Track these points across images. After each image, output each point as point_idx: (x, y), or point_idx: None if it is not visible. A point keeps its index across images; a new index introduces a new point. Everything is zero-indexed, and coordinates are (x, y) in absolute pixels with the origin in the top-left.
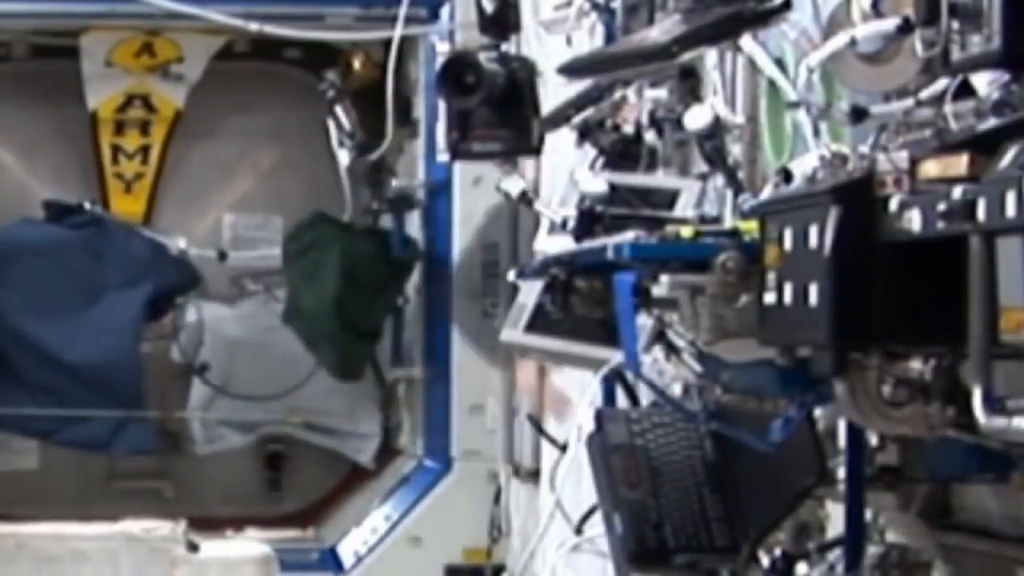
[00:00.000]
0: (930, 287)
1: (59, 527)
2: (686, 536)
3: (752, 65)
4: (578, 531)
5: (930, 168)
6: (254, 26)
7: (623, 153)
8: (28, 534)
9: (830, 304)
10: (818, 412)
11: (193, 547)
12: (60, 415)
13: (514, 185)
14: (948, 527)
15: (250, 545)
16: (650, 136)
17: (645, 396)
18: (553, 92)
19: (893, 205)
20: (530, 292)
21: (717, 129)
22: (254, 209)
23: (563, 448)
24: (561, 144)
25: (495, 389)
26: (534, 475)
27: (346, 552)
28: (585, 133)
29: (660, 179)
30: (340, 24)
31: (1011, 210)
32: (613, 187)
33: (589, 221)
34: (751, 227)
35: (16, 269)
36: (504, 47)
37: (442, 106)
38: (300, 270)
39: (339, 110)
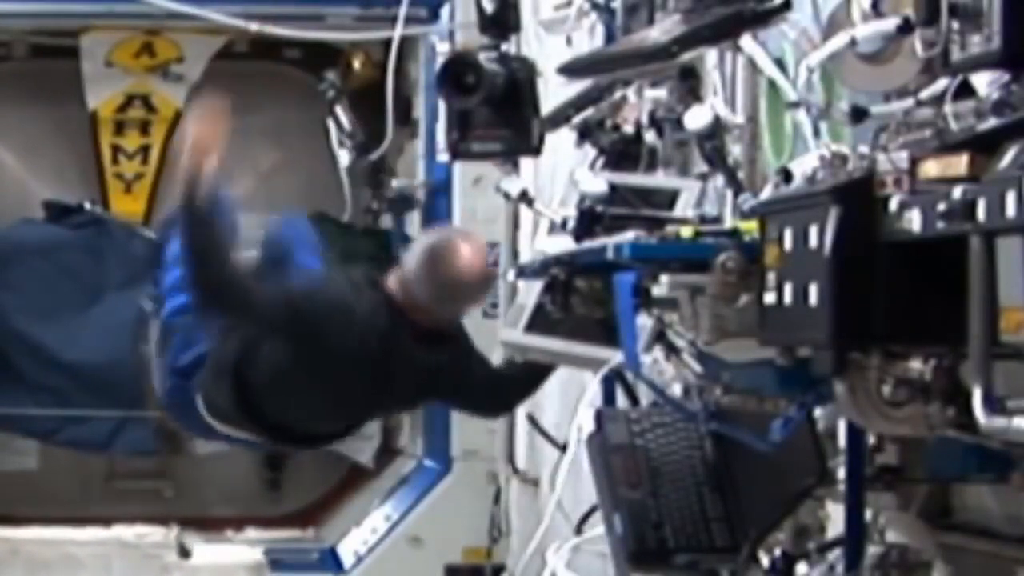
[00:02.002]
0: (930, 287)
1: (52, 532)
2: (686, 536)
3: (752, 65)
4: (578, 531)
5: (930, 168)
6: (254, 26)
7: (623, 153)
8: (22, 539)
9: (830, 304)
10: (818, 412)
11: (185, 553)
12: (60, 415)
13: (514, 185)
14: (948, 527)
15: (242, 551)
16: (650, 136)
17: (645, 396)
18: (553, 92)
19: (893, 205)
20: (530, 292)
21: (717, 129)
22: (254, 209)
23: (563, 448)
24: (561, 144)
25: None
26: (533, 481)
27: (346, 552)
28: (585, 133)
29: (660, 179)
30: (340, 24)
31: (1011, 210)
32: (613, 187)
33: (589, 221)
34: (751, 227)
35: (16, 270)
36: (504, 47)
37: (442, 106)
38: None
39: (339, 110)
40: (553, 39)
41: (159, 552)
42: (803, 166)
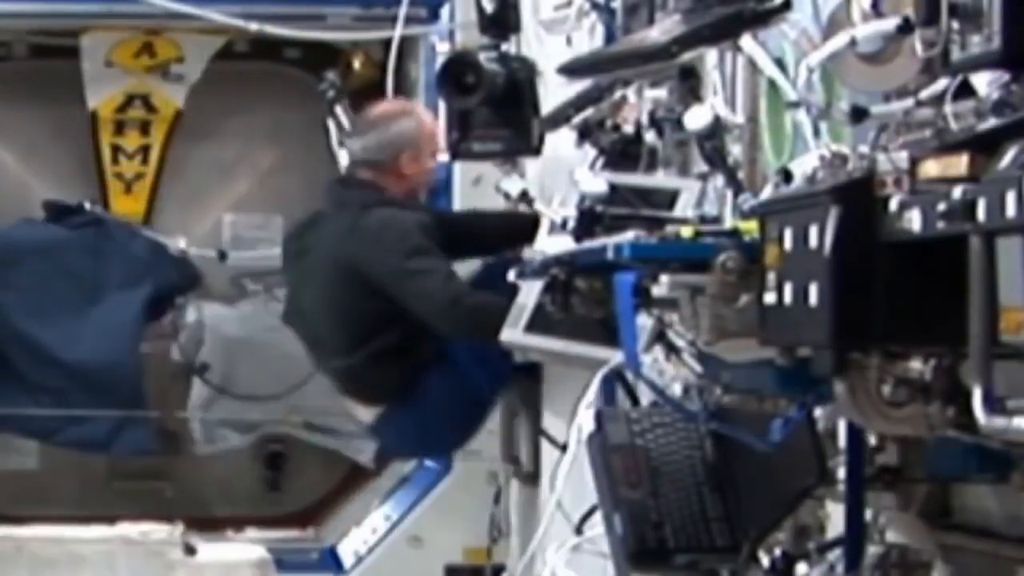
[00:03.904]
0: (930, 287)
1: (57, 530)
2: (686, 536)
3: (752, 65)
4: (578, 531)
5: (930, 168)
6: (254, 26)
7: (623, 153)
8: (26, 537)
9: (830, 304)
10: (818, 412)
11: (190, 550)
12: (60, 415)
13: (514, 185)
14: (948, 527)
15: (247, 548)
16: (650, 136)
17: (645, 396)
18: (553, 92)
19: (893, 205)
20: (530, 292)
21: (717, 129)
22: (254, 209)
23: (563, 448)
24: (561, 144)
25: None
26: (533, 477)
27: (346, 552)
28: (585, 133)
29: (660, 179)
30: (340, 24)
31: (1011, 210)
32: (613, 187)
33: (589, 221)
34: (751, 227)
35: (16, 269)
36: (504, 47)
37: (442, 106)
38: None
39: (339, 110)
40: (553, 39)
41: (164, 549)
42: (803, 166)
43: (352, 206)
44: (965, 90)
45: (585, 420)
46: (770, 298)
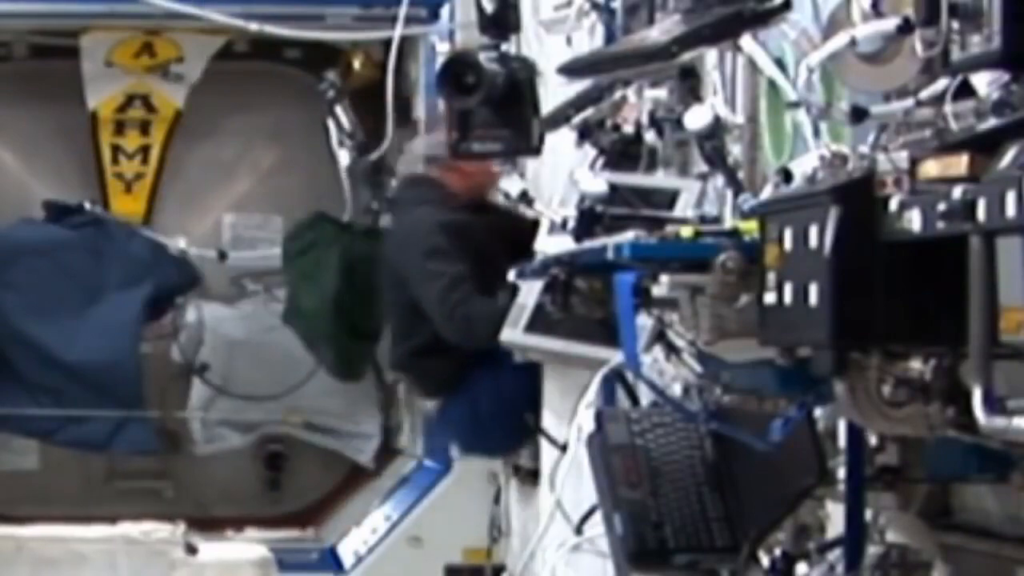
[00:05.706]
0: (930, 287)
1: (58, 530)
2: (686, 536)
3: (752, 65)
4: (578, 531)
5: (930, 168)
6: (254, 26)
7: (623, 153)
8: (27, 536)
9: (830, 304)
10: (818, 412)
11: (192, 550)
12: (60, 415)
13: (514, 185)
14: (948, 527)
15: (248, 547)
16: (650, 136)
17: (645, 396)
18: (553, 92)
19: (893, 205)
20: (530, 292)
21: (717, 129)
22: (254, 209)
23: (563, 448)
24: (561, 144)
25: None
26: (533, 475)
27: (346, 552)
28: (585, 133)
29: (660, 179)
30: (340, 24)
31: (1011, 210)
32: (613, 187)
33: (589, 221)
34: (751, 227)
35: (16, 269)
36: (504, 47)
37: (442, 106)
38: (300, 270)
39: (339, 110)
40: (553, 39)
41: (165, 548)
42: (803, 166)
43: (404, 203)
44: (965, 90)
45: (585, 420)
46: (770, 298)
